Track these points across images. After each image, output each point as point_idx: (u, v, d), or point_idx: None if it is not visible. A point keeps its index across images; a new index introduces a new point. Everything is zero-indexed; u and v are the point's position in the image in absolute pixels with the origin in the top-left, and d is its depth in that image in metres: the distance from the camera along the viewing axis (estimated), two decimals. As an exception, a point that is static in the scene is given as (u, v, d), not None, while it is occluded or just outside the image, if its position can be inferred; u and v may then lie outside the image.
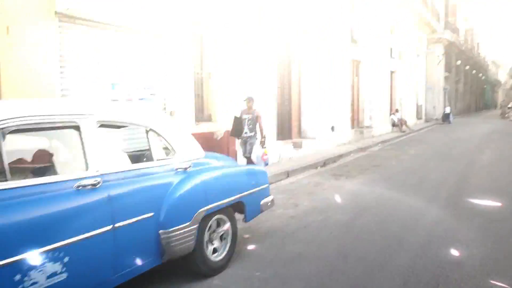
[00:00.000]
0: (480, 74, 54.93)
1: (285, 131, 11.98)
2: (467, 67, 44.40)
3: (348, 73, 15.28)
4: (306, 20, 12.03)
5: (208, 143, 7.70)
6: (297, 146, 11.33)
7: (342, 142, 14.32)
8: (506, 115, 37.10)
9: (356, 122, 17.47)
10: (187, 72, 7.65)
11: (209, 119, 8.33)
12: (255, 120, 7.94)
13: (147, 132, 3.45)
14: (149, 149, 3.47)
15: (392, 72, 21.64)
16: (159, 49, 7.11)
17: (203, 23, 8.29)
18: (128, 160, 3.26)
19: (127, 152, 3.54)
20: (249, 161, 7.91)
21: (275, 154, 10.16)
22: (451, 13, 36.25)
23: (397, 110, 21.52)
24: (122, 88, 6.29)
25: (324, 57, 13.09)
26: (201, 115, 8.20)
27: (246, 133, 7.99)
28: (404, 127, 20.82)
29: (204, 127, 7.96)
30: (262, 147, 7.88)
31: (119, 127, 3.40)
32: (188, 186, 3.46)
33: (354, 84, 17.07)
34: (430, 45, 30.58)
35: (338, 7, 13.93)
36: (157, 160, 3.45)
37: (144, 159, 3.42)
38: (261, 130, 8.02)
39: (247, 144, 8.03)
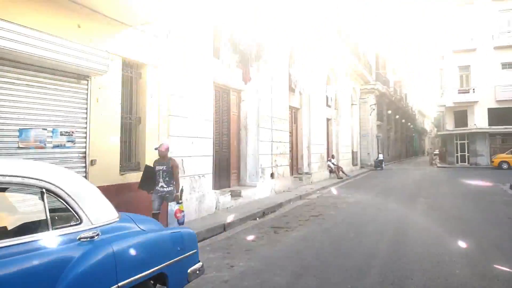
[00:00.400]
0: (409, 123, 58.69)
1: (223, 179, 11.47)
2: (397, 116, 47.27)
3: (286, 119, 15.30)
4: (246, 67, 11.96)
5: (135, 195, 7.00)
6: (235, 195, 10.81)
7: (282, 189, 14.06)
8: (433, 162, 39.56)
9: (295, 168, 17.44)
10: (113, 117, 6.99)
11: (137, 168, 7.58)
12: (171, 171, 6.91)
13: (42, 193, 2.79)
14: (44, 216, 2.79)
15: (328, 120, 22.21)
16: (82, 91, 6.46)
17: (134, 65, 7.78)
18: (10, 232, 2.58)
19: (9, 220, 2.82)
20: (156, 218, 6.43)
21: (211, 204, 9.57)
22: (381, 66, 38.75)
23: (333, 156, 21.95)
24: (33, 135, 5.50)
25: (264, 104, 12.98)
26: (128, 163, 7.46)
27: (162, 187, 6.88)
28: (341, 174, 21.16)
29: (131, 177, 7.22)
30: (178, 203, 6.75)
31: (2, 189, 2.72)
32: (92, 261, 2.81)
33: (293, 131, 17.18)
34: (363, 95, 32.20)
35: (277, 54, 14.07)
36: (54, 229, 2.78)
37: (35, 229, 2.72)
38: (176, 182, 6.97)
39: (168, 204, 6.88)
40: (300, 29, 16.46)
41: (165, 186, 6.89)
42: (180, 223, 6.59)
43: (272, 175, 13.48)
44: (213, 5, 10.14)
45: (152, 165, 7.05)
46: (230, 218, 8.88)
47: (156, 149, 7.03)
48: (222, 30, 10.80)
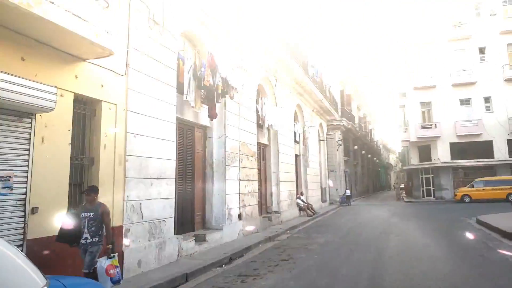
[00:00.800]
0: (375, 158, 59.68)
1: (186, 222, 10.72)
2: (363, 152, 47.95)
3: (255, 156, 14.84)
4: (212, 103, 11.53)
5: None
6: (200, 239, 10.06)
7: (250, 231, 13.38)
8: (400, 196, 39.92)
9: (264, 207, 16.83)
10: (61, 158, 6.30)
11: (88, 214, 6.82)
12: (99, 219, 5.77)
13: None
14: None
15: (297, 156, 21.94)
16: (24, 131, 5.77)
17: (88, 101, 7.17)
18: None
19: None
20: (94, 278, 5.33)
21: (173, 251, 8.80)
22: (346, 103, 39.48)
23: (302, 193, 21.51)
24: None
25: (231, 140, 12.51)
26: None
27: (86, 239, 5.68)
28: (310, 211, 20.67)
29: (81, 226, 6.45)
30: (109, 257, 5.64)
31: None
32: None
33: (261, 168, 16.70)
34: (330, 131, 32.43)
35: (244, 90, 13.75)
36: None
37: None
38: (107, 233, 5.83)
39: (86, 254, 5.72)
40: (267, 66, 16.35)
41: (89, 237, 5.68)
42: (115, 281, 5.52)
43: (239, 216, 12.82)
44: (176, 39, 9.78)
45: (77, 212, 5.92)
46: (193, 266, 8.14)
47: (82, 192, 6.09)
48: (186, 64, 10.40)
